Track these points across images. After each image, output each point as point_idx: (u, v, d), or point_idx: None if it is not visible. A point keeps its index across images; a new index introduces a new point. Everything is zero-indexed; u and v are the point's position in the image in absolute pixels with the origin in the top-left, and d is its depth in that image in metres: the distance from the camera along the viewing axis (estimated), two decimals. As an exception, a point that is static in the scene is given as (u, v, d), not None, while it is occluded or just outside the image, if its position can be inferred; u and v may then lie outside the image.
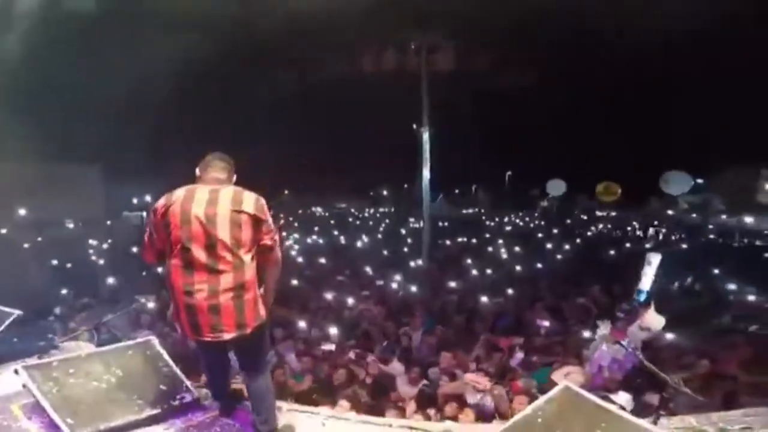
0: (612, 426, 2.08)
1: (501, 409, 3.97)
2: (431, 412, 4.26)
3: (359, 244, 15.71)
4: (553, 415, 2.28)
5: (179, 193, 2.39)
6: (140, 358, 2.99)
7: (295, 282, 10.01)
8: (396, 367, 5.45)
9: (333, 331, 6.38)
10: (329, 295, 8.33)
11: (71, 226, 18.90)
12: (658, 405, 2.54)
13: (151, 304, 7.15)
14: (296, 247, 14.68)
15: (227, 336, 2.37)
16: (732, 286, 8.70)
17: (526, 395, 3.93)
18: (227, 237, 2.29)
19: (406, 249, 14.59)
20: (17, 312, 3.57)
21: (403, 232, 18.97)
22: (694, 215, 26.55)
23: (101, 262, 12.75)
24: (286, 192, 41.46)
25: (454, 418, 3.96)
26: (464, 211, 33.66)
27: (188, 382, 2.98)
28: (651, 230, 21.72)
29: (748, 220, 24.52)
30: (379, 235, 18.67)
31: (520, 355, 4.98)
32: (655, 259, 3.13)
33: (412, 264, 11.95)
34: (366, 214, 33.39)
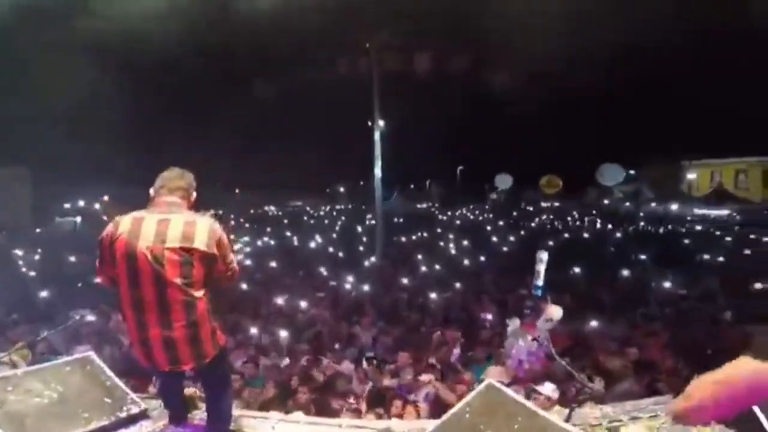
0: (527, 420, 2.33)
1: (444, 403, 4.17)
2: (381, 411, 4.39)
3: (313, 244, 15.62)
4: (479, 410, 2.49)
5: (125, 224, 2.25)
6: (80, 374, 2.96)
7: (245, 287, 9.87)
8: (348, 368, 5.56)
9: (283, 334, 6.38)
10: (280, 300, 8.28)
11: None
12: (573, 396, 2.79)
13: (90, 318, 6.85)
14: (247, 249, 14.37)
15: (186, 367, 2.37)
16: (655, 273, 9.48)
17: (468, 389, 4.14)
18: (176, 277, 2.19)
19: (360, 247, 14.70)
20: None
21: (359, 230, 19.06)
22: (627, 204, 28.65)
23: (32, 273, 11.87)
24: (237, 191, 40.24)
25: (400, 416, 4.13)
26: (418, 206, 34.26)
27: (133, 395, 2.98)
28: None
29: (674, 207, 26.86)
30: (334, 234, 18.64)
31: (456, 350, 5.24)
32: (544, 256, 3.49)
33: (366, 263, 12.07)
34: (322, 212, 33.12)
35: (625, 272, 10.21)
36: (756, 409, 2.08)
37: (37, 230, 19.35)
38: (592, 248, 13.67)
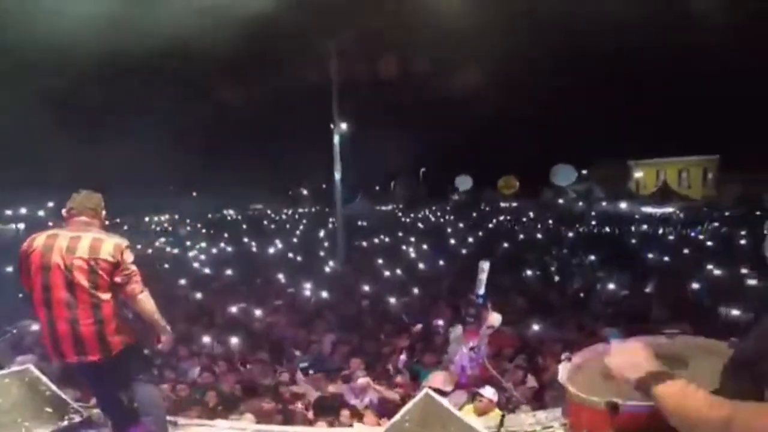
0: (457, 430, 2.44)
1: (390, 406, 4.23)
2: (331, 418, 4.41)
3: (272, 249, 15.35)
4: (417, 420, 2.60)
5: (40, 240, 2.64)
6: (18, 385, 3.06)
7: (199, 295, 9.61)
8: (300, 376, 5.54)
9: (234, 342, 6.28)
10: (234, 308, 8.12)
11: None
12: (504, 403, 2.94)
13: (34, 327, 6.49)
14: (202, 257, 13.95)
15: (92, 358, 2.64)
16: (602, 274, 9.98)
17: (407, 393, 4.23)
18: (84, 282, 2.58)
19: (321, 252, 14.59)
20: None
21: (321, 234, 18.90)
22: (580, 203, 30.01)
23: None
24: (194, 194, 38.87)
25: (350, 425, 4.16)
26: (383, 208, 34.38)
27: (74, 404, 3.12)
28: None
29: (623, 205, 28.38)
30: (295, 239, 18.39)
31: (403, 357, 5.34)
32: (486, 266, 3.70)
33: (326, 268, 12.01)
34: (284, 216, 32.55)
35: (575, 274, 10.69)
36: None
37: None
38: (545, 250, 14.22)
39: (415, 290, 9.23)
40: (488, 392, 3.56)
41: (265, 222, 27.50)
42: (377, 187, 39.30)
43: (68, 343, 2.60)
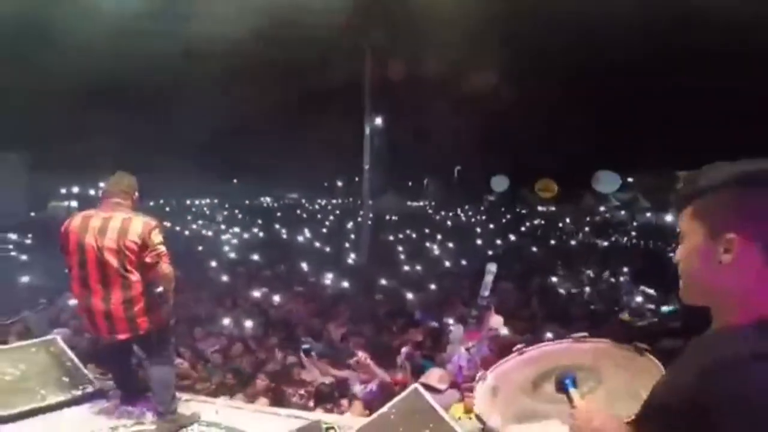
0: (436, 427, 2.47)
1: (388, 398, 4.24)
2: (330, 405, 4.48)
3: (301, 238, 15.71)
4: (402, 413, 2.64)
5: (76, 221, 2.83)
6: (44, 354, 3.33)
7: (226, 278, 10.01)
8: (305, 360, 5.65)
9: (249, 325, 6.52)
10: (257, 293, 8.40)
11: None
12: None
13: (71, 302, 7.01)
14: (234, 241, 14.48)
15: (122, 336, 2.82)
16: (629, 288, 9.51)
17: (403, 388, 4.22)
18: (115, 263, 2.73)
19: (347, 244, 14.78)
20: None
21: (349, 226, 19.13)
22: (623, 212, 28.69)
23: (23, 257, 12.03)
24: (235, 181, 40.24)
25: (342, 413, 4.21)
26: (414, 204, 34.27)
27: (91, 375, 3.31)
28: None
29: (669, 218, 26.88)
30: (324, 229, 18.72)
31: (405, 350, 5.35)
32: (493, 268, 3.63)
33: (348, 260, 12.17)
34: (317, 206, 33.15)
35: (603, 285, 10.28)
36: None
37: (32, 214, 19.48)
38: (576, 257, 13.74)
39: (433, 287, 9.19)
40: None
41: (298, 211, 28.12)
42: (410, 183, 39.09)
43: (101, 320, 2.78)
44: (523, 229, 21.53)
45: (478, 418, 1.18)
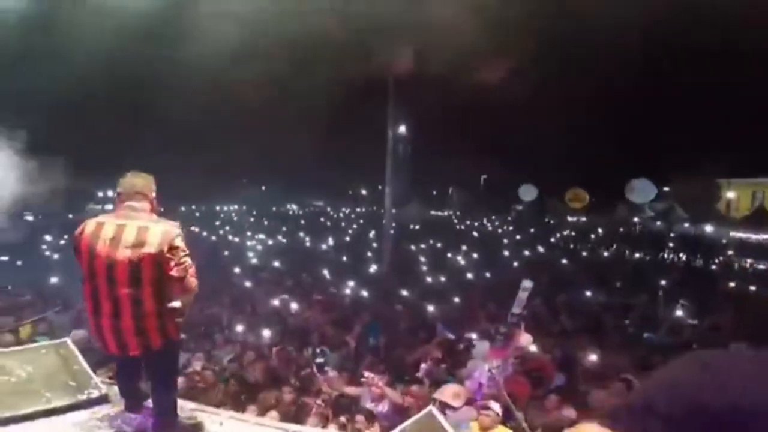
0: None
1: (402, 417, 4.07)
2: (345, 419, 4.34)
3: (324, 246, 15.70)
4: (413, 434, 2.47)
5: (89, 228, 2.56)
6: (53, 357, 3.31)
7: (248, 284, 10.04)
8: (317, 374, 5.52)
9: (266, 334, 6.44)
10: (276, 301, 8.35)
11: (30, 219, 18.40)
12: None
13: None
14: (258, 247, 14.60)
15: (132, 353, 2.61)
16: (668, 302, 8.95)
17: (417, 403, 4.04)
18: (126, 276, 2.46)
19: (369, 253, 14.65)
20: None
21: (371, 234, 19.02)
22: (659, 223, 27.40)
23: (56, 257, 12.50)
24: (263, 187, 40.99)
25: (365, 429, 4.06)
26: (439, 214, 33.88)
27: (98, 380, 3.25)
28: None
29: (709, 228, 25.47)
30: (347, 238, 18.67)
31: (424, 365, 5.13)
32: (528, 285, 3.40)
33: (370, 269, 12.01)
34: (341, 214, 33.27)
35: (638, 298, 9.71)
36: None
37: (70, 216, 20.31)
38: (609, 269, 13.11)
39: (456, 299, 8.90)
40: (495, 407, 3.37)
41: (322, 219, 28.27)
42: (434, 192, 38.74)
43: (110, 336, 2.57)
44: (552, 240, 20.81)
45: None
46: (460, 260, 13.50)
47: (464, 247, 15.72)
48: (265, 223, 23.30)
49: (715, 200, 29.57)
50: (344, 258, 13.85)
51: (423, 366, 5.02)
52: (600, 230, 24.62)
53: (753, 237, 22.64)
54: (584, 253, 16.30)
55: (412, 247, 15.84)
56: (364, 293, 9.17)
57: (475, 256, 14.18)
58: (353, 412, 4.30)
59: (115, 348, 2.60)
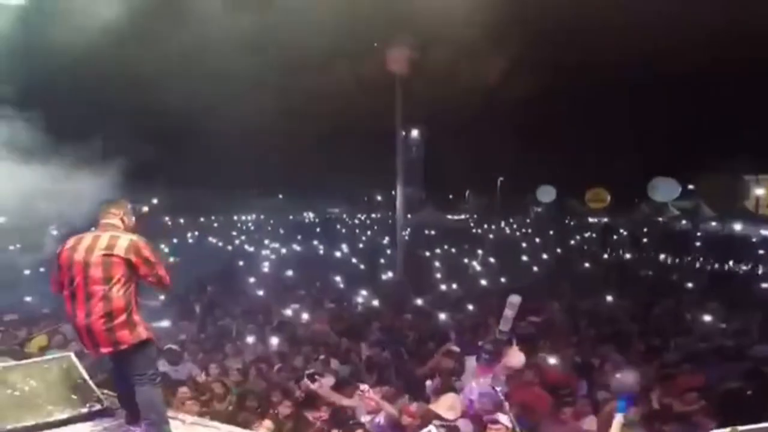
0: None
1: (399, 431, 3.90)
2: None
3: (338, 254, 15.63)
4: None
5: (70, 242, 2.95)
6: (56, 371, 3.42)
7: (261, 293, 10.03)
8: (329, 383, 5.38)
9: (274, 344, 6.36)
10: (288, 311, 8.29)
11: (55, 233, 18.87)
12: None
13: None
14: (272, 257, 14.63)
15: (104, 350, 2.86)
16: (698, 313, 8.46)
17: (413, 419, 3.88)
18: (98, 275, 2.82)
19: (382, 260, 14.49)
20: None
21: (386, 241, 18.86)
22: (684, 222, 26.42)
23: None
24: (280, 196, 41.36)
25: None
26: (455, 218, 33.45)
27: (100, 393, 3.36)
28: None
29: (737, 227, 24.41)
30: (361, 245, 18.56)
31: (429, 383, 4.93)
32: (516, 300, 3.21)
33: (383, 276, 11.86)
34: (356, 221, 33.23)
35: (663, 301, 9.27)
36: None
37: (92, 229, 20.77)
38: (632, 271, 12.62)
39: (470, 307, 8.66)
40: (503, 418, 3.19)
41: (338, 226, 28.27)
42: (450, 196, 38.32)
43: (85, 335, 2.85)
44: (572, 242, 20.25)
45: None
46: (476, 266, 13.20)
47: (480, 252, 15.42)
48: (281, 231, 23.42)
49: (743, 197, 28.36)
50: (358, 265, 13.73)
51: (428, 383, 4.84)
52: (622, 231, 23.81)
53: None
54: (605, 256, 15.74)
55: (427, 253, 15.62)
56: (375, 303, 9.01)
57: (491, 260, 13.86)
58: (350, 426, 4.15)
59: (90, 347, 2.87)
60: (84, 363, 3.67)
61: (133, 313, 2.87)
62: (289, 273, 12.05)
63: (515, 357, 3.33)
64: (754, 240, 20.35)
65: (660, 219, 28.09)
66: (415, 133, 14.28)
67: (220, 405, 5.16)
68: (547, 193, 29.71)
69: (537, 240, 19.95)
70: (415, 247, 15.31)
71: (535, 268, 13.31)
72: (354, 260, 14.53)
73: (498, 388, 3.11)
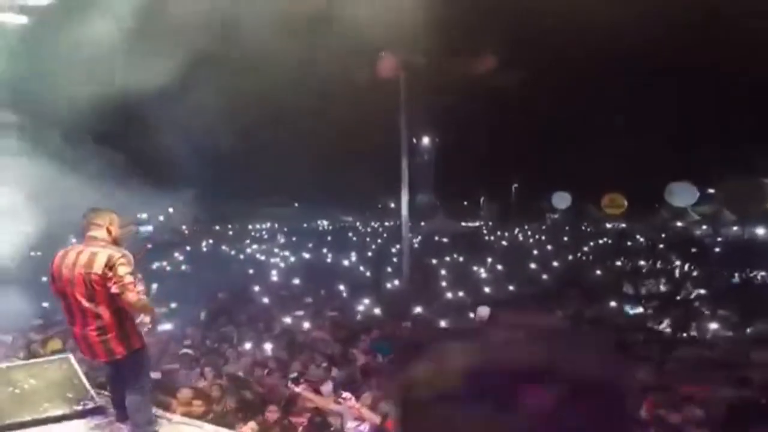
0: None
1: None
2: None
3: (346, 262, 15.69)
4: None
5: (60, 255, 3.04)
6: (54, 371, 3.63)
7: (266, 302, 10.17)
8: (327, 390, 5.43)
9: (268, 349, 6.45)
10: (289, 318, 8.39)
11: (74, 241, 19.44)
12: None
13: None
14: (282, 265, 14.82)
15: (102, 360, 3.07)
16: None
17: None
18: (82, 294, 2.92)
19: (389, 268, 14.49)
20: None
21: (395, 249, 18.82)
22: (705, 227, 25.59)
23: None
24: (295, 204, 41.75)
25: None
26: (469, 225, 33.13)
27: (93, 392, 3.52)
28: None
29: (760, 231, 23.51)
30: (370, 253, 18.58)
31: None
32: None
33: (388, 285, 11.87)
34: (368, 228, 33.25)
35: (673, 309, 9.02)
36: None
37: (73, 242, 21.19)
38: (646, 279, 12.30)
39: (472, 315, 8.58)
40: None
41: (350, 234, 28.36)
42: (465, 203, 37.95)
43: (82, 344, 3.03)
44: (585, 249, 19.83)
45: None
46: (483, 274, 13.09)
47: (489, 260, 15.27)
48: (294, 240, 23.65)
49: (765, 201, 27.35)
50: (365, 274, 13.77)
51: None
52: (639, 237, 23.20)
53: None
54: (618, 263, 15.38)
55: (434, 261, 15.53)
56: (377, 311, 9.03)
57: (499, 268, 13.72)
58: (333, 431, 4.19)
59: (88, 354, 3.06)
60: (87, 365, 3.87)
61: (126, 326, 2.95)
62: (296, 281, 12.16)
63: None
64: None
65: (679, 224, 27.31)
66: (426, 140, 14.24)
67: (216, 408, 5.28)
68: (562, 200, 29.23)
69: (549, 247, 19.62)
70: (424, 254, 15.25)
71: (545, 276, 13.11)
72: (361, 268, 14.57)
73: None
